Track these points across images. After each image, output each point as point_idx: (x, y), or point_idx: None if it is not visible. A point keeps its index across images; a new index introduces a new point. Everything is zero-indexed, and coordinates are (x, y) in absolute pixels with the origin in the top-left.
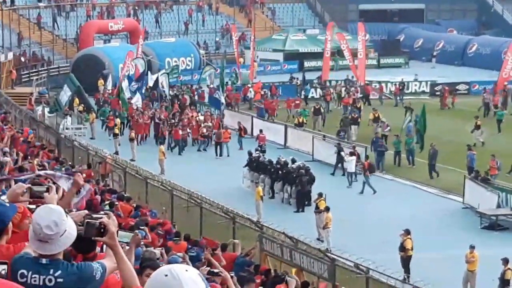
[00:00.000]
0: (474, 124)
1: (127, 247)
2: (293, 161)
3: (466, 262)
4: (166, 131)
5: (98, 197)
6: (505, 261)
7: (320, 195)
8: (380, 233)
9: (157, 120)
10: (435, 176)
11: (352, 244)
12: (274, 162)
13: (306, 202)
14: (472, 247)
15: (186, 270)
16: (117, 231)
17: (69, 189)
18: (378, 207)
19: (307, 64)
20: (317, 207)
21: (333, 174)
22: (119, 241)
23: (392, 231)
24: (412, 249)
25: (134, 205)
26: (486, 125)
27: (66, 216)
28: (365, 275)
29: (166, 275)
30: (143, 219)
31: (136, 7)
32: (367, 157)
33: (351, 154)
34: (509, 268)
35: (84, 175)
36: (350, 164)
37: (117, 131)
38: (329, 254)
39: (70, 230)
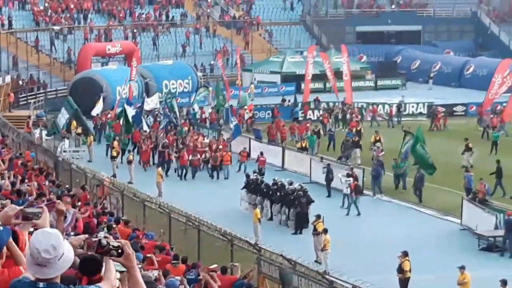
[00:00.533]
0: (465, 145)
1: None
2: (290, 183)
3: (458, 284)
4: (173, 157)
5: (95, 220)
6: (504, 282)
7: (318, 217)
8: (377, 254)
9: (160, 148)
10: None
11: (349, 266)
12: (271, 184)
13: (304, 224)
14: (462, 268)
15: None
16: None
17: (55, 218)
18: (375, 228)
19: (303, 86)
20: (315, 229)
21: (328, 196)
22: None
23: (389, 252)
24: (410, 270)
25: (132, 228)
26: (481, 146)
27: (64, 239)
28: None
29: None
30: (136, 241)
31: (134, 30)
32: (355, 178)
33: (348, 175)
34: None
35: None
36: (347, 185)
37: (114, 153)
38: (327, 276)
39: (67, 253)
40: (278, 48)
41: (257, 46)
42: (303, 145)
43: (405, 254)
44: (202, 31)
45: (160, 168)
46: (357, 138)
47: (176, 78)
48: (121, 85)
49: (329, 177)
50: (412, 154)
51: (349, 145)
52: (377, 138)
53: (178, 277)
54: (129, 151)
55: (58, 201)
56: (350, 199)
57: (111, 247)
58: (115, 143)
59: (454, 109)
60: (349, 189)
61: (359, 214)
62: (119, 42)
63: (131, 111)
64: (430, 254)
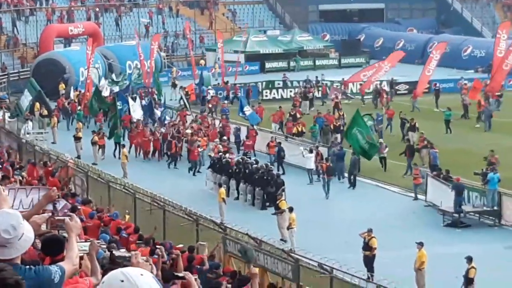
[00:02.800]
0: (410, 124)
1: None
2: (256, 162)
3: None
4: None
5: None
6: (469, 259)
7: (280, 195)
8: (342, 232)
9: (169, 138)
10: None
11: (316, 244)
12: (235, 163)
13: (268, 203)
14: (420, 244)
15: (141, 274)
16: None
17: (40, 200)
18: (341, 206)
19: (268, 65)
20: (277, 208)
21: (283, 173)
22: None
23: (354, 230)
24: (376, 248)
25: (94, 208)
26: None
27: (23, 219)
28: (329, 274)
29: (122, 281)
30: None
31: (97, 9)
32: (326, 159)
33: (310, 151)
34: (473, 267)
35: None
36: (309, 161)
37: (80, 134)
38: (293, 254)
39: (27, 233)
40: (241, 28)
41: (220, 26)
42: (299, 130)
43: (371, 231)
44: (165, 11)
45: (125, 149)
46: (338, 123)
47: (140, 58)
48: (85, 66)
49: (280, 155)
50: (346, 138)
51: (329, 129)
52: (413, 124)
53: (144, 257)
54: (96, 132)
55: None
56: (323, 180)
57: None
58: (80, 124)
59: (436, 84)
60: (321, 171)
61: (327, 196)
62: (81, 23)
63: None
64: (395, 231)
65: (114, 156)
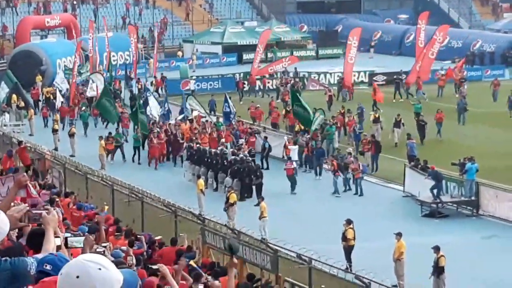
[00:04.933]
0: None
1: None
2: (234, 153)
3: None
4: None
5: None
6: (437, 248)
7: (231, 187)
8: (321, 223)
9: (179, 139)
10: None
11: (295, 235)
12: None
13: (246, 195)
14: (398, 235)
15: (99, 269)
16: (67, 238)
17: (12, 187)
18: (319, 198)
19: (245, 56)
20: (227, 201)
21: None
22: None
23: (333, 221)
24: (354, 238)
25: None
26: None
27: None
28: (307, 265)
29: (99, 269)
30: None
31: (74, 2)
32: (335, 157)
33: (294, 143)
34: (442, 255)
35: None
36: (293, 152)
37: (56, 127)
38: (271, 245)
39: (1, 224)
40: (218, 19)
41: (197, 17)
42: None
43: (349, 222)
44: (142, 2)
45: (103, 141)
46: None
47: (117, 50)
48: (61, 57)
49: (265, 149)
50: (295, 117)
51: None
52: (376, 116)
53: (124, 247)
54: (70, 123)
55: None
56: (335, 177)
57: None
58: (57, 116)
59: (395, 76)
60: (332, 168)
61: (337, 194)
62: (58, 15)
63: (153, 103)
64: (374, 221)
65: (133, 161)
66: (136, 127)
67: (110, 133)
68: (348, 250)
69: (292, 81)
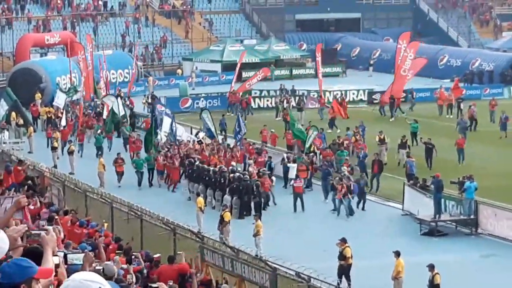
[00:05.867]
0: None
1: None
2: (233, 171)
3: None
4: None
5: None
6: (431, 267)
7: (225, 206)
8: (321, 241)
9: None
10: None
11: (294, 253)
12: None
13: (245, 213)
14: (397, 254)
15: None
16: (66, 255)
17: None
18: (319, 216)
19: (245, 74)
20: (221, 220)
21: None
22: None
23: (332, 239)
24: (351, 257)
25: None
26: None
27: None
28: (306, 283)
29: None
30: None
31: (74, 20)
32: (340, 179)
33: (294, 161)
34: (437, 273)
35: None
36: (292, 170)
37: (56, 144)
38: (270, 263)
39: (1, 243)
40: (218, 37)
41: (197, 35)
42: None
43: (344, 241)
44: (141, 20)
45: (102, 159)
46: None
47: (116, 68)
48: (61, 75)
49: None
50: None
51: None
52: (382, 137)
53: (124, 266)
54: (70, 141)
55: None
56: (344, 200)
57: None
58: (57, 133)
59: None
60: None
61: (352, 214)
62: (58, 33)
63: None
64: (372, 240)
65: (151, 184)
66: (149, 148)
67: (118, 153)
68: (347, 268)
69: (298, 99)
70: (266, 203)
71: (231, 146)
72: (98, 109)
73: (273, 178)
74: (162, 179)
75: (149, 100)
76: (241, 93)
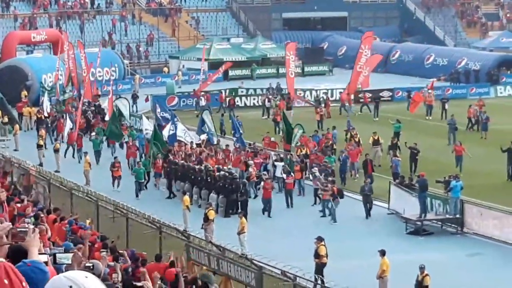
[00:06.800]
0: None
1: None
2: (219, 169)
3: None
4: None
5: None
6: (422, 268)
7: (209, 204)
8: (306, 240)
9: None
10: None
11: (279, 252)
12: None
13: (231, 211)
14: (382, 253)
15: (86, 277)
16: (55, 254)
17: None
18: (304, 214)
19: (231, 73)
20: (206, 218)
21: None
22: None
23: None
24: (326, 256)
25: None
26: (469, 138)
27: None
28: (292, 282)
29: (70, 286)
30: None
31: (59, 18)
32: (333, 181)
33: (281, 159)
34: (427, 274)
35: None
36: (278, 168)
37: (41, 142)
38: (256, 262)
39: None
40: (205, 35)
41: (183, 33)
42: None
43: (320, 239)
44: (128, 18)
45: (88, 156)
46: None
47: (103, 66)
48: (47, 73)
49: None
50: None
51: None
52: (376, 138)
53: (112, 263)
54: (55, 139)
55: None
56: (331, 204)
57: None
58: (42, 131)
59: (381, 94)
60: (329, 194)
61: (334, 221)
62: (44, 30)
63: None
64: (358, 239)
65: (146, 187)
66: (147, 154)
67: (115, 157)
68: (321, 267)
69: (287, 98)
70: (268, 211)
71: (224, 147)
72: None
73: (274, 184)
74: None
75: (131, 99)
76: (227, 92)
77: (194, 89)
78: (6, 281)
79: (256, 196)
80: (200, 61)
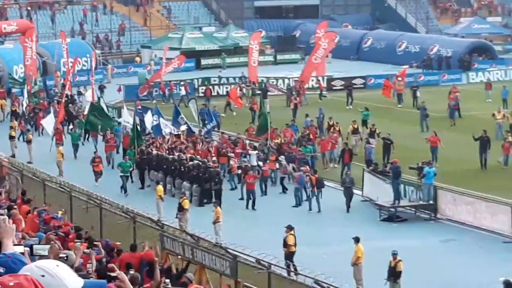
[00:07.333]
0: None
1: None
2: (191, 159)
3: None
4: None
5: None
6: (395, 254)
7: (183, 194)
8: (280, 228)
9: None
10: None
11: (253, 240)
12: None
13: (206, 200)
14: (356, 240)
15: (57, 265)
16: (32, 246)
17: None
18: (278, 202)
19: (204, 62)
20: (180, 208)
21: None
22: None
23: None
24: (295, 245)
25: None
26: (442, 125)
27: None
28: (267, 270)
29: (43, 276)
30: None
31: (29, 8)
32: (315, 171)
33: (254, 148)
34: (400, 260)
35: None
36: (252, 157)
37: (13, 133)
38: (230, 251)
39: None
40: (176, 25)
41: (155, 23)
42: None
43: (290, 228)
44: (99, 8)
45: (61, 147)
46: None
47: (74, 56)
48: (18, 64)
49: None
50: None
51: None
52: (355, 127)
53: (87, 250)
54: (28, 130)
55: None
56: (311, 194)
57: None
58: (14, 122)
59: (354, 81)
60: (308, 183)
61: (319, 211)
62: (15, 21)
63: (148, 120)
64: (332, 226)
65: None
66: (132, 145)
67: (95, 152)
68: (289, 256)
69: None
70: (253, 203)
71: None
72: (56, 99)
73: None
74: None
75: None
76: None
77: (146, 78)
78: None
79: (235, 187)
80: (173, 51)
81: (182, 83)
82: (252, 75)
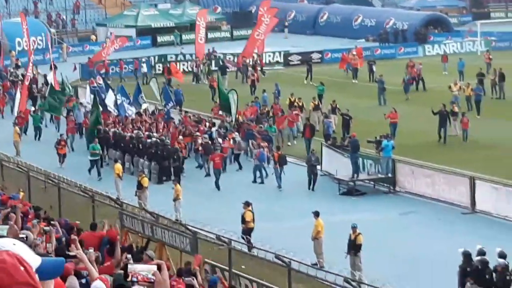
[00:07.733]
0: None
1: None
2: (149, 136)
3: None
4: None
5: None
6: (354, 227)
7: (142, 171)
8: (240, 204)
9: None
10: None
11: (213, 217)
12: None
13: (165, 178)
14: (316, 214)
15: (14, 244)
16: None
17: None
18: (237, 178)
19: (160, 39)
20: (139, 185)
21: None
22: None
23: (252, 201)
24: (253, 221)
25: None
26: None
27: None
28: (227, 246)
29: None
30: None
31: None
32: (277, 147)
33: (213, 124)
34: (359, 233)
35: None
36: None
37: None
38: (190, 227)
39: None
40: (132, 2)
41: (110, 0)
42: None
43: (247, 204)
44: None
45: (17, 127)
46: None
47: (29, 35)
48: None
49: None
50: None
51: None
52: (316, 104)
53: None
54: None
55: None
56: (275, 171)
57: None
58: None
59: (311, 56)
60: (272, 160)
61: (280, 187)
62: None
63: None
64: (292, 201)
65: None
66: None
67: (61, 135)
68: (247, 232)
69: (221, 63)
70: (217, 181)
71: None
72: (11, 78)
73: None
74: None
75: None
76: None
77: (89, 57)
78: (22, 268)
79: (201, 166)
80: (128, 28)
81: (143, 60)
82: (198, 52)
